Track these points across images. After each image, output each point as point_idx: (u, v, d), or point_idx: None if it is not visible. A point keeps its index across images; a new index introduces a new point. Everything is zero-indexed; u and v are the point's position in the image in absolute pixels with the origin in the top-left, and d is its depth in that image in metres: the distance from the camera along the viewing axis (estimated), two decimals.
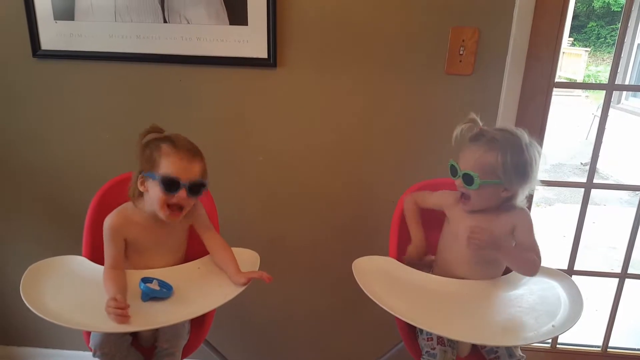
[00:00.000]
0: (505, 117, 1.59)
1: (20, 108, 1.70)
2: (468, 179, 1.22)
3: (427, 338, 1.31)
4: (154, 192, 1.18)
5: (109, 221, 1.24)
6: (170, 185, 1.16)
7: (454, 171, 1.27)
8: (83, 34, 1.59)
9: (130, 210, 1.26)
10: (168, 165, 1.16)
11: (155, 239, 1.28)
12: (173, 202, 1.18)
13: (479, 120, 1.25)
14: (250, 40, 1.56)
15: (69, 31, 1.59)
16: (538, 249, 1.29)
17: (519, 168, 1.20)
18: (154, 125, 1.23)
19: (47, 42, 1.61)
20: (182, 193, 1.17)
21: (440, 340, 1.29)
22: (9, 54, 1.64)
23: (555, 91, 1.61)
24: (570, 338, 1.97)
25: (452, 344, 1.29)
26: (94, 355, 1.22)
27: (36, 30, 1.59)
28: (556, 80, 1.59)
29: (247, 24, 1.54)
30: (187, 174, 1.17)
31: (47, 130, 1.72)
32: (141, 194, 1.23)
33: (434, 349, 1.28)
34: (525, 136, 1.22)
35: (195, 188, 1.20)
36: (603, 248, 3.64)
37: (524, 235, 1.29)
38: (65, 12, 1.57)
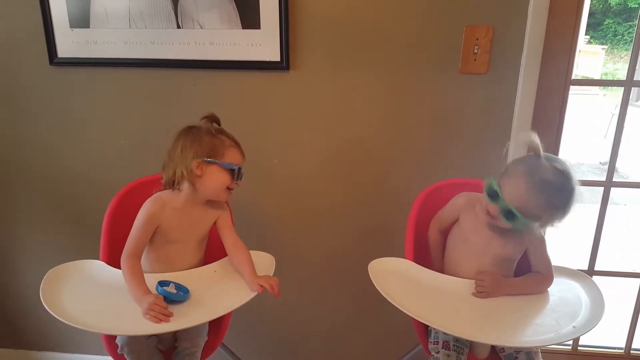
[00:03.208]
0: (522, 115, 1.57)
1: (38, 115, 1.73)
2: (510, 216, 1.15)
3: (434, 341, 1.30)
4: (216, 177, 1.27)
5: (147, 207, 1.28)
6: (239, 173, 1.29)
7: (493, 195, 1.18)
8: (98, 41, 1.61)
9: (167, 196, 1.30)
10: (234, 156, 1.29)
11: (187, 225, 1.31)
12: (231, 187, 1.30)
13: (540, 147, 1.14)
14: (263, 44, 1.57)
15: (85, 39, 1.61)
16: (550, 267, 1.29)
17: (562, 215, 1.15)
18: (212, 114, 1.32)
19: (64, 50, 1.63)
20: (240, 179, 1.31)
21: (445, 344, 1.27)
22: (27, 62, 1.67)
23: (573, 90, 1.58)
24: (591, 340, 1.93)
25: (459, 349, 1.27)
26: (120, 351, 1.23)
27: (53, 38, 1.62)
28: (573, 78, 1.57)
29: (259, 28, 1.55)
30: (242, 164, 1.32)
31: (65, 136, 1.75)
32: (176, 183, 1.29)
33: (437, 352, 1.27)
34: (575, 178, 1.14)
35: (240, 176, 1.32)
36: (625, 248, 3.58)
37: (537, 257, 1.30)
38: (81, 20, 1.59)
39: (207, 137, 1.27)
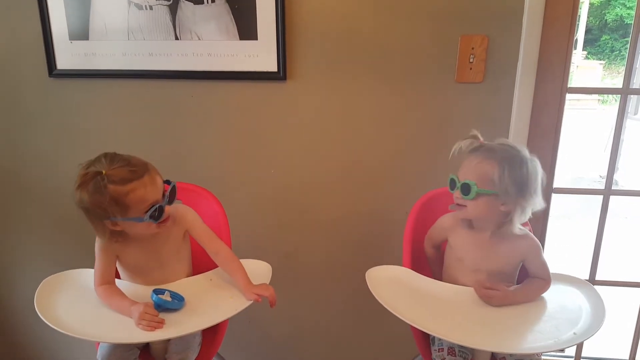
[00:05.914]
0: (518, 124, 1.57)
1: (37, 127, 1.74)
2: (465, 188, 1.20)
3: (438, 349, 1.29)
4: (136, 228, 1.16)
5: (98, 240, 1.22)
6: (159, 214, 1.14)
7: (452, 184, 1.25)
8: (97, 53, 1.63)
9: None
10: (140, 200, 1.11)
11: (146, 260, 1.26)
12: (163, 221, 1.17)
13: (479, 135, 1.25)
14: (260, 55, 1.58)
15: (84, 51, 1.63)
16: (548, 271, 1.28)
17: (516, 180, 1.17)
18: (97, 171, 1.09)
19: (63, 62, 1.65)
20: (166, 210, 1.17)
21: (451, 350, 1.26)
22: (26, 75, 1.69)
23: (571, 105, 1.60)
24: (595, 350, 1.91)
25: (464, 354, 1.26)
26: None
27: (52, 51, 1.64)
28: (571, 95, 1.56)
29: (256, 39, 1.56)
30: (159, 191, 1.16)
31: (63, 148, 1.76)
32: (116, 232, 1.17)
33: (444, 359, 1.25)
34: (525, 150, 1.20)
35: (171, 195, 1.19)
36: (627, 259, 3.56)
37: (534, 266, 1.29)
38: (80, 33, 1.61)
39: (101, 197, 1.07)
